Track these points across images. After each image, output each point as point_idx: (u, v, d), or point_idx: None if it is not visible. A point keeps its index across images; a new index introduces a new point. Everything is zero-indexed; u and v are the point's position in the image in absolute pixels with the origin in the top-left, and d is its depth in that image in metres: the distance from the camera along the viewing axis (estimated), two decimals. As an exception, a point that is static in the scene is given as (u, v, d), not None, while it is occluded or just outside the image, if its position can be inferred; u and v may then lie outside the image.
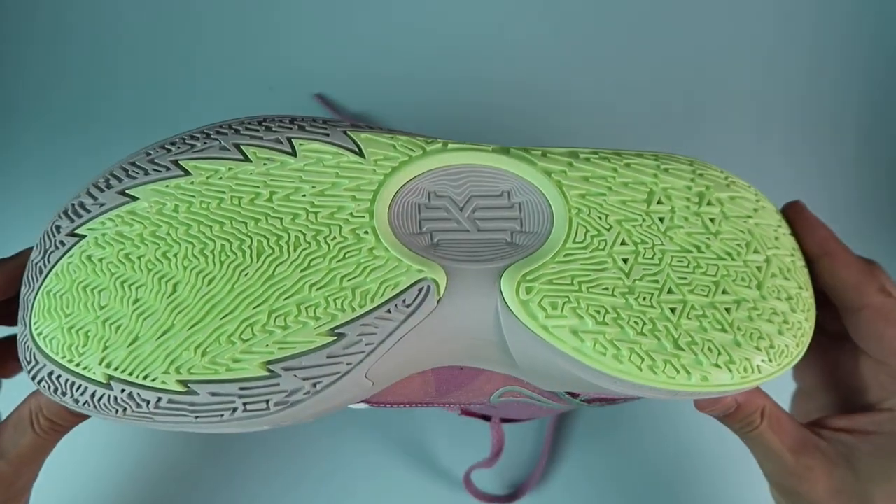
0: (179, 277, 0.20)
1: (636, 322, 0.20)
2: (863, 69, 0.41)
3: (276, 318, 0.20)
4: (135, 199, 0.21)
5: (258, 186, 0.21)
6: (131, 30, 0.41)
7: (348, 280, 0.20)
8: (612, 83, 0.41)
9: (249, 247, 0.21)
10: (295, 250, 0.21)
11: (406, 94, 0.40)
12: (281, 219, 0.21)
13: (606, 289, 0.21)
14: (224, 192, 0.21)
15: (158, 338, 0.20)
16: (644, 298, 0.21)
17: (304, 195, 0.21)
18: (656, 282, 0.21)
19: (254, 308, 0.20)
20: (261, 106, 0.41)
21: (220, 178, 0.21)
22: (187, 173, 0.21)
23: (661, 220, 0.22)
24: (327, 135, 0.22)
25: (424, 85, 0.41)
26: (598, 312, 0.20)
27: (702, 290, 0.21)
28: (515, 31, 0.41)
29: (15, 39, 0.41)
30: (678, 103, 0.41)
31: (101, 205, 0.21)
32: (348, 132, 0.22)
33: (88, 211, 0.21)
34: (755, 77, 0.41)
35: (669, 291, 0.21)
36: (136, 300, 0.20)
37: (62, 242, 0.21)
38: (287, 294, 0.20)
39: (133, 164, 0.22)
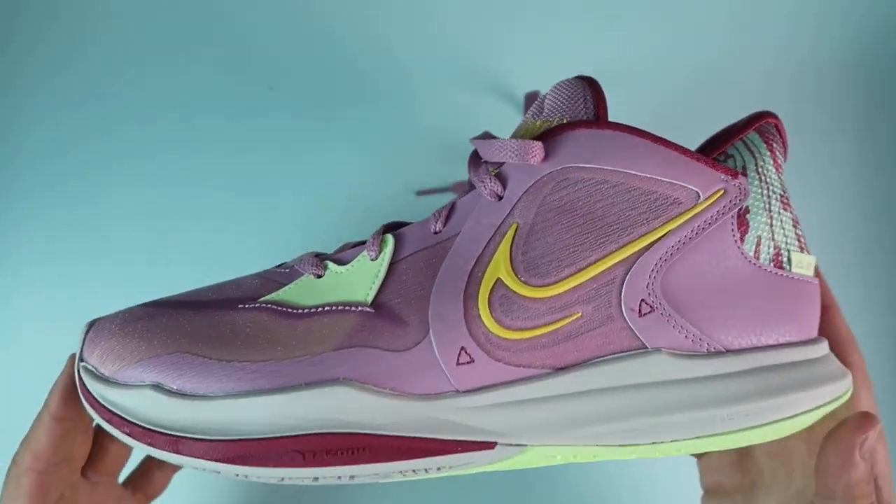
0: None
1: None
2: (863, 69, 0.41)
3: None
4: None
5: None
6: (132, 29, 0.41)
7: None
8: (609, 84, 0.41)
9: None
10: None
11: (406, 92, 0.41)
12: None
13: None
14: None
15: None
16: None
17: None
18: None
19: None
20: (261, 106, 0.41)
21: None
22: None
23: None
24: None
25: (426, 83, 0.41)
26: None
27: None
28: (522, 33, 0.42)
29: (15, 37, 0.41)
30: (677, 104, 0.41)
31: None
32: None
33: None
34: (755, 76, 0.41)
35: None
36: None
37: None
38: None
39: None
